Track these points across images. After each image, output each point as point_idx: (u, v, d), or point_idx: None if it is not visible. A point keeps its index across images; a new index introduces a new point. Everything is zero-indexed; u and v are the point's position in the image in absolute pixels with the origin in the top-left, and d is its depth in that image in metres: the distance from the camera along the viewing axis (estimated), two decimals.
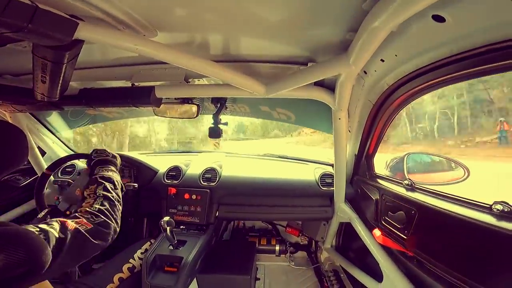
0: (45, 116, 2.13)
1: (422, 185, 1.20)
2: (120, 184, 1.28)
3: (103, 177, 1.22)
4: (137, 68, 1.36)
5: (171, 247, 1.63)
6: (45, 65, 0.94)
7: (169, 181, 2.03)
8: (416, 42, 0.83)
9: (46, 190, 1.84)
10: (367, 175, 1.61)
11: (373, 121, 1.38)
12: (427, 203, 1.05)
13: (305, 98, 1.36)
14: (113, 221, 1.05)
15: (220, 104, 1.70)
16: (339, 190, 1.74)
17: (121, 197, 1.21)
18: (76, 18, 0.79)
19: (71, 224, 0.89)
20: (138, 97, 1.37)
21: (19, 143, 0.94)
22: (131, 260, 1.54)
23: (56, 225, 0.85)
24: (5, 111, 1.62)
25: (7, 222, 0.78)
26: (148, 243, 1.73)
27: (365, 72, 1.13)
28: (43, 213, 1.37)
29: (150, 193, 2.03)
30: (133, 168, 2.10)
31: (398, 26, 0.71)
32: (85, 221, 0.95)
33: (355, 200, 1.76)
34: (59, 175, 2.17)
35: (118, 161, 1.47)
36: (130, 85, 1.39)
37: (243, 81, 1.20)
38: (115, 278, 1.41)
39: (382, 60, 0.99)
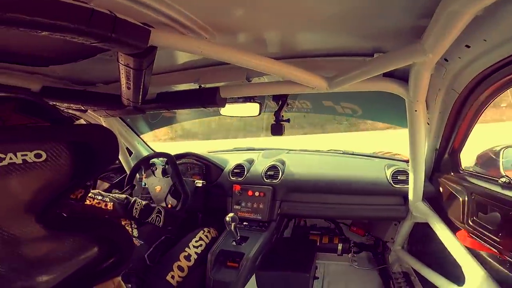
0: (131, 119, 2.38)
1: None
2: None
3: None
4: (202, 71, 1.44)
5: (234, 243, 1.70)
6: (129, 72, 1.00)
7: (234, 178, 2.10)
8: (509, 26, 0.70)
9: (135, 188, 2.06)
10: (452, 172, 1.42)
11: (458, 112, 1.21)
12: None
13: (372, 90, 1.26)
14: None
15: (281, 101, 1.69)
16: (417, 188, 1.57)
17: None
18: (148, 26, 0.82)
19: None
20: (206, 98, 1.45)
21: (112, 144, 1.09)
22: (186, 249, 1.66)
23: None
24: (99, 116, 1.87)
25: None
26: (201, 231, 1.81)
27: (446, 60, 1.00)
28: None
29: (217, 190, 2.14)
30: (202, 166, 2.24)
31: (484, 9, 0.60)
32: None
33: (435, 199, 1.57)
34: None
35: None
36: (198, 87, 1.48)
37: (304, 76, 1.16)
38: (174, 266, 1.55)
39: (468, 46, 0.86)
